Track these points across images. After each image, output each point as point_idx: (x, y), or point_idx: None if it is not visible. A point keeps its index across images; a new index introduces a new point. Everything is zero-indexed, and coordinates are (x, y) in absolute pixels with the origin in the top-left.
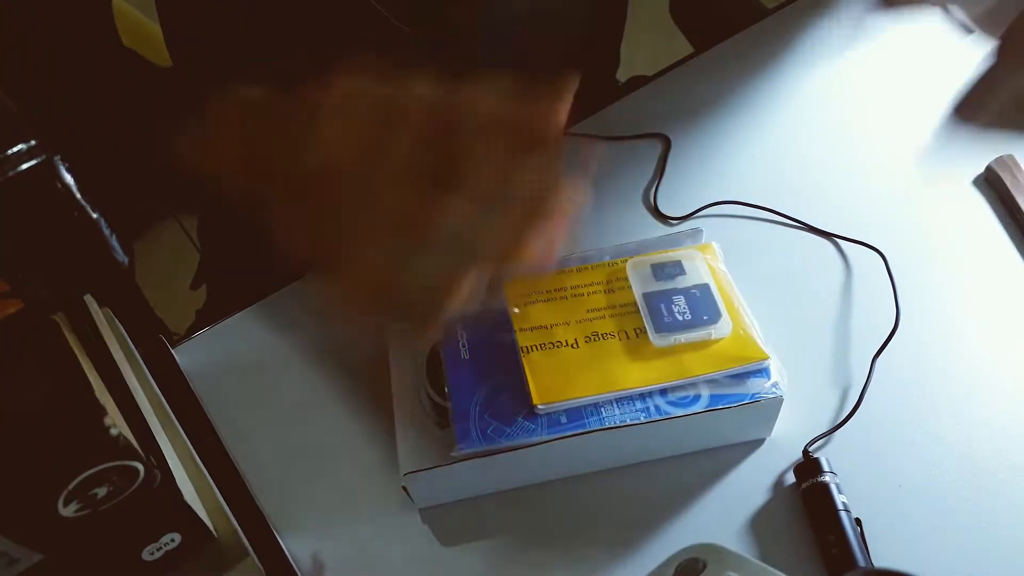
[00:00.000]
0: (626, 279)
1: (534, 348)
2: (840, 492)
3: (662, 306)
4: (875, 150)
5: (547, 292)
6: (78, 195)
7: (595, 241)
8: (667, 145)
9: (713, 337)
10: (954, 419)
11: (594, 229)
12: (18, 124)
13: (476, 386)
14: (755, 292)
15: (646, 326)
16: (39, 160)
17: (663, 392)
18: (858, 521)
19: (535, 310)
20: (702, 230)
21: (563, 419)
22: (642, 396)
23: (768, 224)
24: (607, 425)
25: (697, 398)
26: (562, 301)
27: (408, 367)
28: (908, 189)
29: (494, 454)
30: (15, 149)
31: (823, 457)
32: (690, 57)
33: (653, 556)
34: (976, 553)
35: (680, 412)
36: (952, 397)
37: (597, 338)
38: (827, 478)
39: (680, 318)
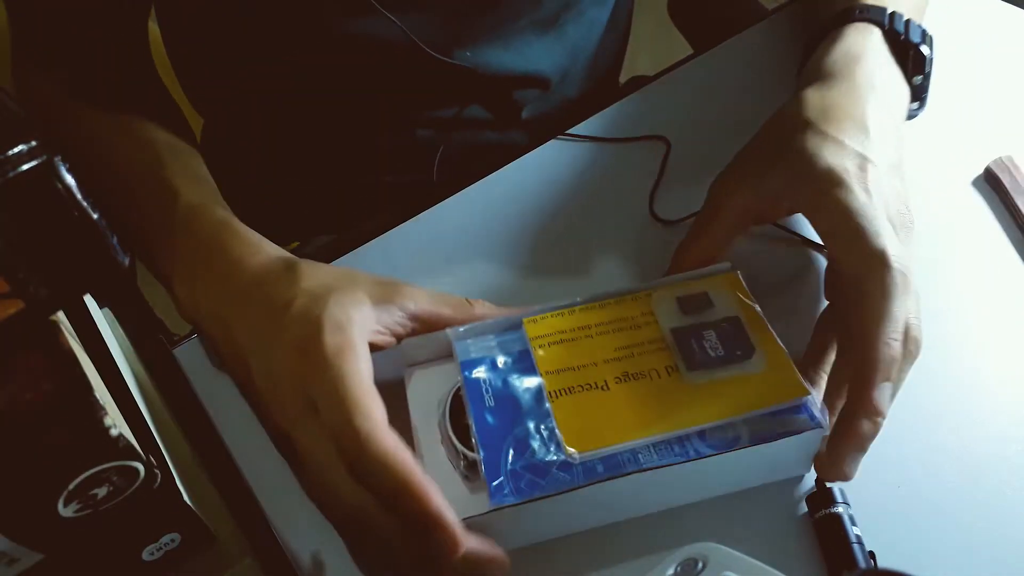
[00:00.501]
0: (651, 313)
1: (562, 392)
2: (854, 524)
3: (692, 342)
4: None
5: (571, 331)
6: (78, 195)
7: (592, 245)
8: (667, 148)
9: (748, 373)
10: (954, 420)
11: (590, 232)
12: (18, 124)
13: (505, 435)
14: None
15: (678, 364)
16: (40, 161)
17: (701, 435)
18: (872, 555)
19: (560, 351)
20: (727, 261)
21: (599, 468)
22: (680, 440)
23: (764, 227)
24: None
25: (737, 439)
26: (587, 340)
27: (427, 413)
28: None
29: (527, 504)
30: (16, 150)
31: (836, 487)
32: (690, 58)
33: (652, 557)
34: (976, 555)
35: (713, 454)
36: (952, 398)
37: (628, 379)
38: (840, 509)
39: (712, 354)
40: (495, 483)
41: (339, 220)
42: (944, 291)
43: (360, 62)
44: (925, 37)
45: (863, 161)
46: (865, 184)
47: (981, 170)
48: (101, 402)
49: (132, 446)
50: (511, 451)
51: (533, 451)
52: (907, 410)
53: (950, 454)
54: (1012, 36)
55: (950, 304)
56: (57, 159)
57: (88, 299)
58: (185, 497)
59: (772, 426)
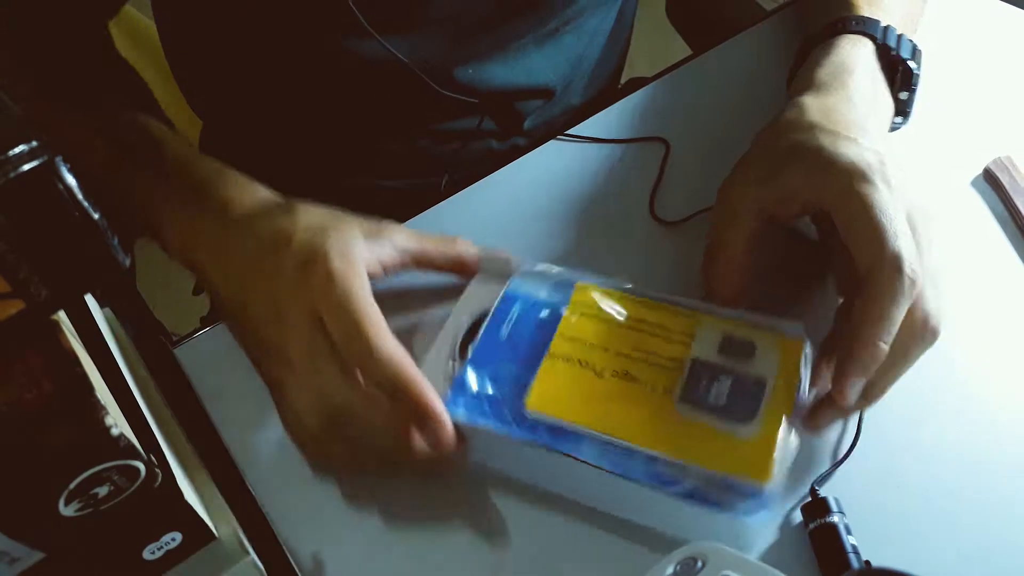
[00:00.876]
0: (691, 336)
1: (562, 358)
2: (849, 533)
3: (703, 380)
4: None
5: (610, 313)
6: (79, 195)
7: (592, 245)
8: (666, 149)
9: (732, 434)
10: (955, 421)
11: (590, 232)
12: (19, 125)
13: (496, 363)
14: None
15: (676, 389)
16: (40, 161)
17: (651, 459)
18: (867, 564)
19: (587, 323)
20: (804, 331)
21: (543, 433)
22: (629, 452)
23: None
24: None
25: (677, 483)
26: (618, 328)
27: (460, 319)
28: None
29: (470, 427)
30: (16, 150)
31: (831, 496)
32: (689, 59)
33: (652, 557)
34: (976, 563)
35: (645, 483)
36: (951, 399)
37: (624, 378)
38: (835, 519)
39: (712, 400)
40: (452, 395)
41: None
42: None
43: (359, 78)
44: (915, 53)
45: (881, 156)
46: (887, 178)
47: (980, 170)
48: (102, 402)
49: (133, 445)
50: (488, 378)
51: (503, 389)
52: (906, 412)
53: (949, 457)
54: (1012, 36)
55: (950, 304)
56: (58, 159)
57: (88, 299)
58: (186, 496)
59: (716, 491)
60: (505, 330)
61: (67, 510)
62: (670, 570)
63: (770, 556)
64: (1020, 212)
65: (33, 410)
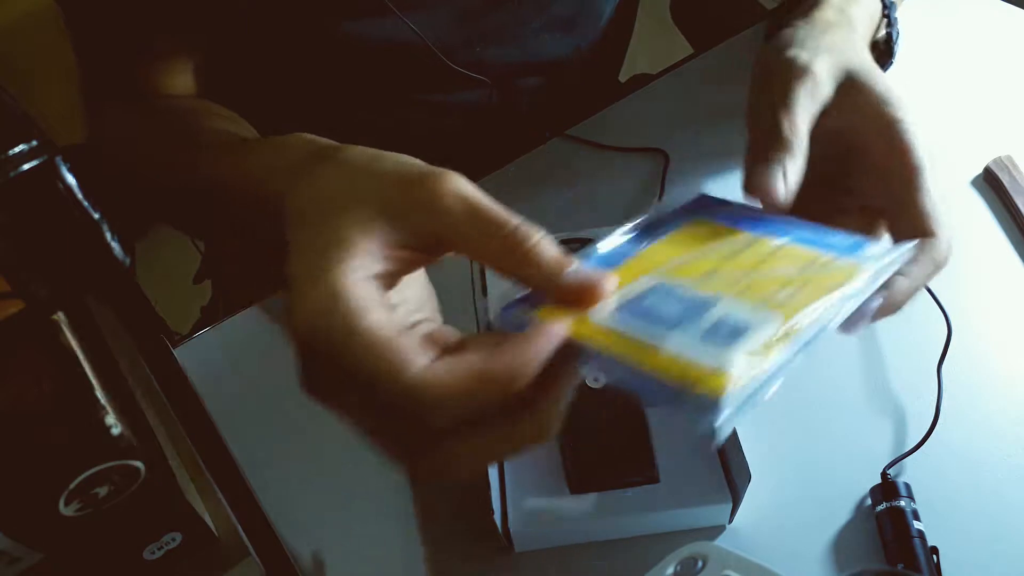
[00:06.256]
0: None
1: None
2: (917, 519)
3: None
4: None
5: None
6: (79, 195)
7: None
8: (666, 162)
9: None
10: (955, 421)
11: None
12: (19, 124)
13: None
14: None
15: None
16: (41, 160)
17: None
18: (934, 550)
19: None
20: None
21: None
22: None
23: None
24: None
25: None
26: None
27: None
28: None
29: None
30: (16, 149)
31: (901, 481)
32: (690, 58)
33: (652, 557)
34: None
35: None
36: (951, 399)
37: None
38: (902, 503)
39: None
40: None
41: None
42: (944, 291)
43: (367, 57)
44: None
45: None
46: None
47: (980, 170)
48: (102, 401)
49: (133, 445)
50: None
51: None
52: (985, 402)
53: (955, 454)
54: (1012, 36)
55: (950, 304)
56: (58, 159)
57: (89, 299)
58: (186, 496)
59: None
60: None
61: (67, 510)
62: (671, 570)
63: (837, 537)
64: (1020, 211)
65: (33, 410)
